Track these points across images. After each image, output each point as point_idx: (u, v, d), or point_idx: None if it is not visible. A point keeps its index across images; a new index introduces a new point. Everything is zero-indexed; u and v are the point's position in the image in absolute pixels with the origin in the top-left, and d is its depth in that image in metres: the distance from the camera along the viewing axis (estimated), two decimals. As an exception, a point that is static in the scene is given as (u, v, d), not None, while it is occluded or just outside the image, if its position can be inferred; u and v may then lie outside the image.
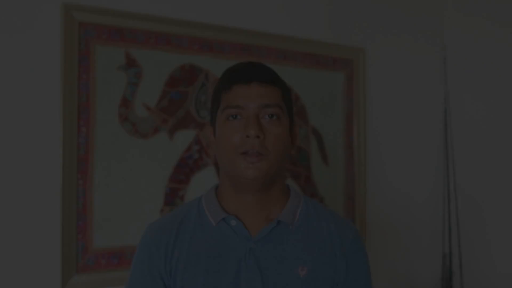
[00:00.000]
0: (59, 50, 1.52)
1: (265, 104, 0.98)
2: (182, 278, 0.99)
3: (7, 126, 1.47)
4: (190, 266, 0.99)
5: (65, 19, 1.52)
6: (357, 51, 2.10)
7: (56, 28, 1.52)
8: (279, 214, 1.02)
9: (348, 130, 2.08)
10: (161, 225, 1.06)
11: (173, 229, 1.04)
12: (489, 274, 2.17)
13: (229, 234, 1.01)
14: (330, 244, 1.03)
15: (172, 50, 1.71)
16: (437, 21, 2.38)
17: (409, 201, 2.26)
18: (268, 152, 0.97)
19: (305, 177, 1.96)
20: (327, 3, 2.07)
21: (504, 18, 2.15)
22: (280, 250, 1.00)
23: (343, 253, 1.03)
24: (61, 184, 1.51)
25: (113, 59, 1.61)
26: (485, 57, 2.22)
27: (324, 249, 1.02)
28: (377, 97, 2.17)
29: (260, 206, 1.03)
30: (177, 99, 1.71)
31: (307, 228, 1.04)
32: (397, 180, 2.23)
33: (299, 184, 1.95)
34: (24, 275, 1.47)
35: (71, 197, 1.52)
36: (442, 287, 2.23)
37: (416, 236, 2.27)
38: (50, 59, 1.52)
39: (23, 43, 1.48)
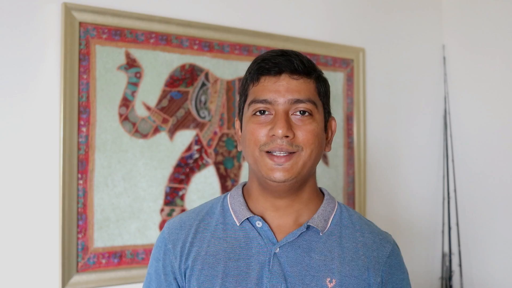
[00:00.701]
0: (59, 50, 1.52)
1: (296, 99, 0.89)
2: (198, 280, 0.91)
3: (7, 126, 1.47)
4: (207, 268, 0.91)
5: (65, 19, 1.52)
6: (357, 51, 2.10)
7: (56, 28, 1.52)
8: (310, 219, 0.94)
9: (348, 130, 2.08)
10: (180, 221, 0.98)
11: (192, 226, 0.96)
12: (489, 274, 2.17)
13: (253, 236, 0.93)
14: (364, 257, 0.94)
15: (172, 50, 1.71)
16: (437, 21, 2.38)
17: (409, 201, 2.26)
18: (299, 149, 0.88)
19: (305, 177, 1.96)
20: (327, 3, 2.07)
21: (504, 18, 2.15)
22: (307, 258, 0.91)
23: (378, 268, 0.93)
24: (61, 184, 1.51)
25: (113, 59, 1.61)
26: (484, 57, 2.22)
27: (356, 262, 0.93)
28: (377, 97, 2.17)
29: (290, 208, 0.94)
30: (177, 99, 1.71)
31: (339, 237, 0.95)
32: (397, 180, 2.23)
33: (299, 184, 1.95)
34: (24, 275, 1.47)
35: (71, 197, 1.52)
36: (442, 287, 2.23)
37: (416, 236, 2.27)
38: (50, 59, 1.52)
39: (23, 43, 1.48)
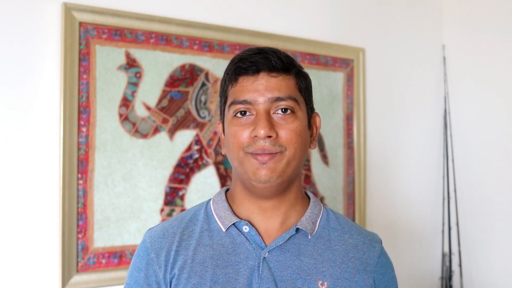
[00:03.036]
0: (59, 50, 1.52)
1: (276, 97, 0.86)
2: None
3: (7, 126, 1.47)
4: (195, 276, 0.87)
5: (65, 19, 1.52)
6: (357, 51, 2.10)
7: (56, 28, 1.52)
8: (298, 222, 0.92)
9: (348, 130, 2.08)
10: (162, 230, 0.94)
11: (175, 233, 0.92)
12: (489, 274, 2.17)
13: (240, 241, 0.90)
14: (354, 259, 0.92)
15: (172, 50, 1.71)
16: (437, 21, 2.38)
17: (409, 201, 2.26)
18: (283, 149, 0.86)
19: (305, 177, 1.96)
20: (327, 3, 2.07)
21: (504, 18, 2.15)
22: (297, 262, 0.89)
23: (370, 270, 0.93)
24: (61, 184, 1.51)
25: (113, 59, 1.61)
26: (484, 57, 2.22)
27: (347, 264, 0.91)
28: (377, 97, 2.17)
29: (277, 210, 0.92)
30: (177, 99, 1.71)
31: (328, 240, 0.93)
32: (397, 180, 2.23)
33: (299, 184, 1.95)
34: (24, 275, 1.47)
35: (71, 197, 1.52)
36: (442, 287, 2.23)
37: (416, 236, 2.27)
38: (50, 59, 1.52)
39: (23, 43, 1.48)
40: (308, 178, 1.97)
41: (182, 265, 0.89)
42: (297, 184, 0.94)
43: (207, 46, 1.77)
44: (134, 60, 1.65)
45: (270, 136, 0.85)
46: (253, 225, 0.91)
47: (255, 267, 0.87)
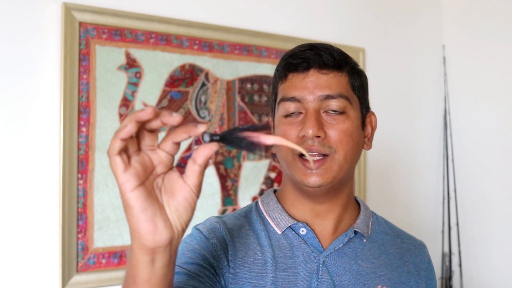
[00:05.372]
0: (59, 50, 1.52)
1: (326, 95, 0.82)
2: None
3: (7, 126, 1.47)
4: (255, 277, 0.83)
5: (65, 19, 1.52)
6: (357, 51, 2.10)
7: (56, 28, 1.52)
8: (354, 224, 0.88)
9: (348, 130, 2.08)
10: (220, 222, 0.88)
11: (233, 229, 0.87)
12: (489, 274, 2.17)
13: (298, 243, 0.86)
14: (408, 263, 0.91)
15: (172, 50, 1.71)
16: (437, 21, 2.38)
17: (409, 201, 2.26)
18: (332, 152, 0.81)
19: (305, 177, 1.96)
20: (327, 3, 2.07)
21: (504, 18, 2.15)
22: (355, 266, 0.86)
23: (422, 275, 0.91)
24: (61, 184, 1.51)
25: (113, 59, 1.61)
26: (484, 57, 2.22)
27: (403, 268, 0.90)
28: (377, 97, 2.17)
29: (330, 213, 0.88)
30: (177, 99, 1.71)
31: (382, 244, 0.91)
32: (397, 180, 2.23)
33: (299, 184, 1.95)
34: (24, 275, 1.47)
35: (71, 197, 1.52)
36: (442, 287, 2.23)
37: (416, 236, 2.27)
38: (50, 59, 1.52)
39: (23, 43, 1.48)
40: (308, 178, 1.97)
41: (242, 262, 0.84)
42: (350, 187, 0.90)
43: (207, 46, 1.77)
44: (134, 60, 1.65)
45: (318, 136, 0.81)
46: (310, 227, 0.87)
47: (314, 271, 0.84)
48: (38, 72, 1.50)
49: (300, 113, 0.83)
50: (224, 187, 1.79)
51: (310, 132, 0.80)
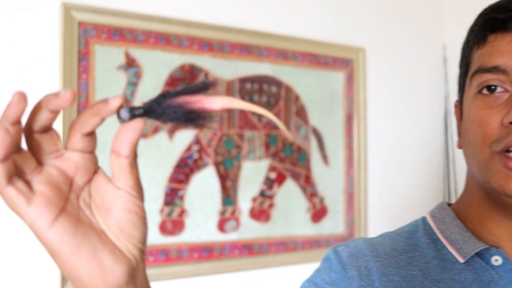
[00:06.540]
0: (58, 50, 1.52)
1: None
2: None
3: (6, 126, 1.46)
4: None
5: (64, 19, 1.51)
6: (357, 51, 2.10)
7: (55, 27, 1.52)
8: None
9: (348, 130, 2.08)
10: (370, 246, 0.66)
11: (389, 257, 0.65)
12: (489, 275, 2.17)
13: (489, 278, 0.61)
14: None
15: (172, 50, 1.71)
16: (437, 21, 2.38)
17: (409, 201, 2.26)
18: None
19: (305, 177, 1.96)
20: (327, 3, 2.07)
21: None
22: None
23: None
24: (60, 184, 1.50)
25: (112, 59, 1.61)
26: (485, 57, 2.22)
27: None
28: (377, 97, 2.17)
29: None
30: (177, 99, 1.71)
31: None
32: (398, 180, 2.23)
33: (299, 184, 1.94)
34: (24, 275, 1.47)
35: (70, 197, 1.52)
36: None
37: (416, 236, 2.27)
38: (49, 59, 1.51)
39: (22, 43, 1.48)
40: (308, 178, 1.97)
41: None
42: None
43: (207, 46, 1.77)
44: (133, 60, 1.64)
45: None
46: (507, 255, 0.63)
47: None
48: (37, 72, 1.50)
49: (506, 90, 0.59)
50: (224, 187, 1.78)
51: None
